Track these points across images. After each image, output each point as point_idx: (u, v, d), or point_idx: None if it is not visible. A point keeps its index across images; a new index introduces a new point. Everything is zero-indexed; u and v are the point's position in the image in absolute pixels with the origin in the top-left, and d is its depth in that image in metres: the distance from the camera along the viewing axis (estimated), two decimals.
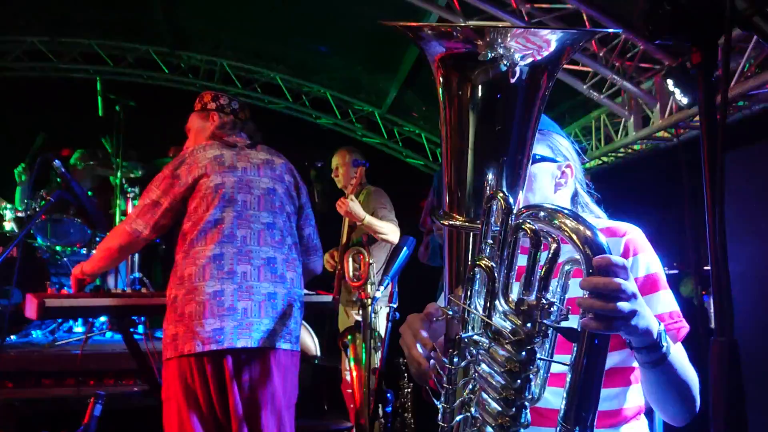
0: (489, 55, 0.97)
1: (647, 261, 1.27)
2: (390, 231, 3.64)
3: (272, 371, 2.24)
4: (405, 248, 2.23)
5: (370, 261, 2.87)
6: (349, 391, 3.62)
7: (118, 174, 4.62)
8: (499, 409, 0.90)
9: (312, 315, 3.39)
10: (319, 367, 3.66)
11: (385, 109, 7.08)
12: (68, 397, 3.26)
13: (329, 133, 7.42)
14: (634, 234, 1.30)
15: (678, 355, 1.11)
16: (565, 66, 4.68)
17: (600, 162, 5.68)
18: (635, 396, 1.28)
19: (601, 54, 4.54)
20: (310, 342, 3.40)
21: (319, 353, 3.38)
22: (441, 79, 1.04)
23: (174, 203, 2.27)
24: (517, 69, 0.98)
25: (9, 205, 4.41)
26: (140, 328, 3.88)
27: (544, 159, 1.35)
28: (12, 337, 4.02)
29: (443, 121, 1.06)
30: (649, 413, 1.36)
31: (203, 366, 2.15)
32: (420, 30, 1.02)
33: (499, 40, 0.96)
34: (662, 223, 4.04)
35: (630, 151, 5.29)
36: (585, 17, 4.30)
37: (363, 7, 5.35)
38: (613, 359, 1.24)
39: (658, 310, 1.20)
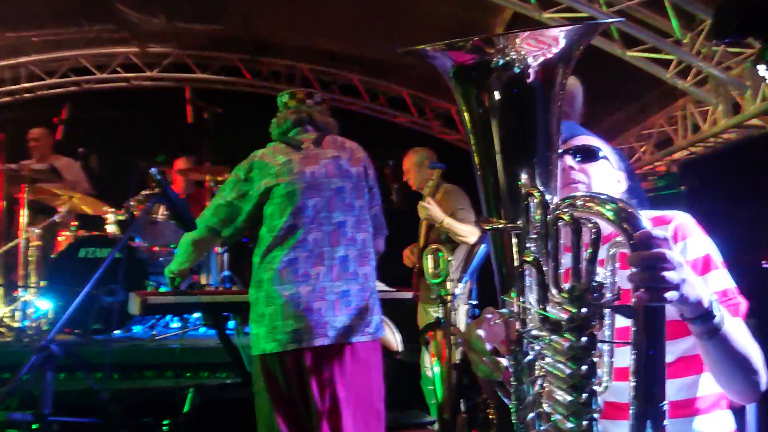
0: (501, 61, 1.02)
1: (697, 243, 1.29)
2: (469, 233, 3.64)
3: (350, 366, 2.31)
4: (484, 245, 2.26)
5: (449, 258, 2.91)
6: (430, 387, 3.67)
7: (207, 177, 4.87)
8: (570, 398, 0.93)
9: (392, 311, 3.47)
10: (401, 362, 3.73)
11: None
12: (168, 387, 3.49)
13: (406, 132, 7.49)
14: (681, 219, 1.32)
15: (736, 328, 1.12)
16: (647, 55, 4.54)
17: (688, 153, 5.46)
18: (710, 384, 1.26)
19: (685, 40, 4.37)
20: (392, 337, 3.48)
21: (401, 348, 3.45)
22: (459, 91, 1.10)
23: (245, 205, 2.39)
24: (531, 70, 1.02)
25: (111, 209, 4.73)
26: (231, 324, 4.08)
27: (605, 158, 1.43)
28: (116, 332, 4.33)
29: (468, 130, 1.12)
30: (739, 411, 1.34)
31: (285, 363, 2.26)
32: (428, 50, 1.07)
33: (509, 46, 1.01)
34: (757, 215, 3.85)
35: (720, 140, 5.05)
36: (667, 2, 4.16)
37: (438, 4, 5.38)
38: (679, 347, 1.25)
39: (712, 289, 1.19)
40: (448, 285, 2.82)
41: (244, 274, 5.20)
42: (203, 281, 4.76)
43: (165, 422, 2.25)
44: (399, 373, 3.72)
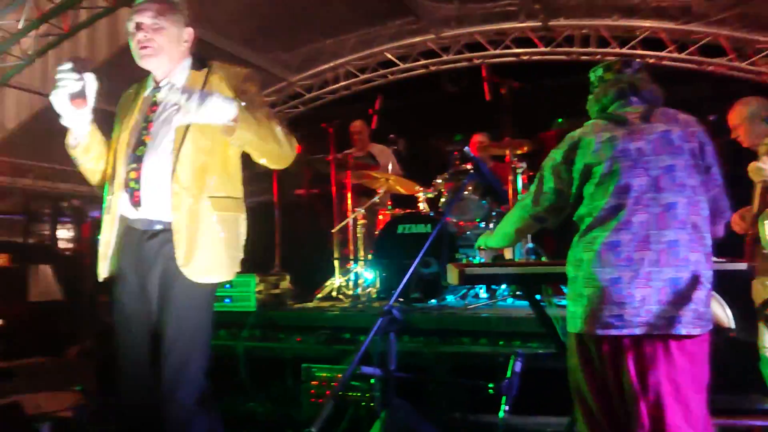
0: None
1: None
2: None
3: (675, 358, 2.12)
4: None
5: None
6: None
7: (507, 151, 4.96)
8: None
9: (722, 285, 3.11)
10: (733, 341, 3.34)
11: None
12: (484, 353, 3.69)
13: (723, 81, 6.61)
14: None
15: None
16: None
17: None
18: None
19: None
20: (722, 313, 3.13)
21: (733, 326, 3.09)
22: None
23: (568, 189, 2.30)
24: None
25: (421, 188, 5.14)
26: (537, 296, 4.11)
27: None
28: (432, 301, 4.71)
29: None
30: None
31: (601, 347, 2.17)
32: None
33: None
34: None
35: None
36: None
37: None
38: None
39: None
40: None
41: (545, 245, 5.22)
42: (507, 254, 4.88)
43: (490, 385, 2.38)
44: (732, 353, 3.34)
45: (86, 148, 2.21)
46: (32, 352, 6.68)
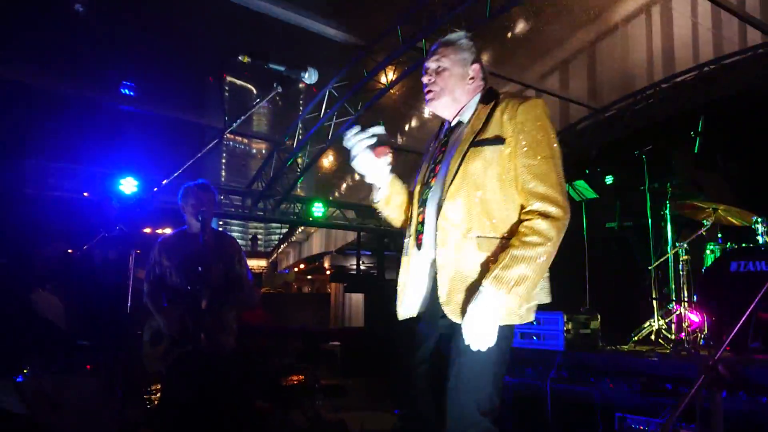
0: None
1: None
2: None
3: None
4: None
5: None
6: None
7: None
8: None
9: None
10: None
11: None
12: None
13: None
14: None
15: None
16: None
17: None
18: None
19: None
20: None
21: None
22: None
23: None
24: None
25: (760, 219, 4.35)
26: None
27: None
28: None
29: None
30: None
31: None
32: None
33: None
34: None
35: None
36: None
37: None
38: None
39: None
40: None
41: None
42: None
43: None
44: None
45: (387, 200, 2.26)
46: (361, 372, 7.45)
